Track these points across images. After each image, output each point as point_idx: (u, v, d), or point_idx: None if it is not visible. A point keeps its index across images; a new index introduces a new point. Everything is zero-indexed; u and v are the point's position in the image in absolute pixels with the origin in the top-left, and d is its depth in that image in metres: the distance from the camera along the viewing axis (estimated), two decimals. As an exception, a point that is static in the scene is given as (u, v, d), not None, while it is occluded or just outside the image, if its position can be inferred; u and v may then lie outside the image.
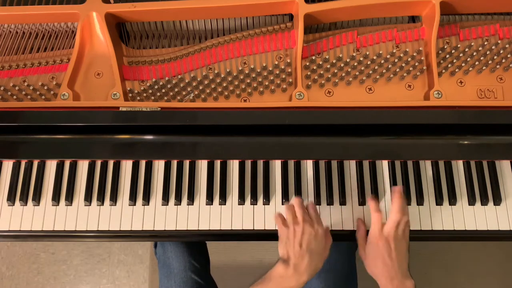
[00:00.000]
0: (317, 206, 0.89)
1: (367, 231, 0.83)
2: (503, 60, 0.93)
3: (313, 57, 0.94)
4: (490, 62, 0.92)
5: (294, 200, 0.83)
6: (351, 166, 0.92)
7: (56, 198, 0.89)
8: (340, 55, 0.93)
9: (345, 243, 1.04)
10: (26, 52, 0.96)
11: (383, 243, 0.78)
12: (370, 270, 0.81)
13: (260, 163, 0.92)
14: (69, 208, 0.89)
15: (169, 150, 0.91)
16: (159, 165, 0.92)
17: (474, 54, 0.94)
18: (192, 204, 0.89)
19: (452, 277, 1.58)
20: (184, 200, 0.89)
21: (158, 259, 1.09)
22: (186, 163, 0.92)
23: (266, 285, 0.78)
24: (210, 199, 0.89)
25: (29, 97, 0.91)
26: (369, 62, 0.92)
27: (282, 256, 0.79)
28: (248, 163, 0.92)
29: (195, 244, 1.09)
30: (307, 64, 0.94)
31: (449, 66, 0.93)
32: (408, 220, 0.81)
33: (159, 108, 0.87)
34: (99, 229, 0.88)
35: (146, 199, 0.89)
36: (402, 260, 0.78)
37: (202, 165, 0.92)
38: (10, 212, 0.89)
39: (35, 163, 0.91)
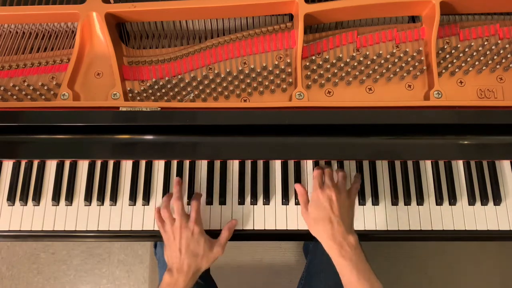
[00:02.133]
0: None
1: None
2: (503, 60, 0.93)
3: (313, 57, 0.94)
4: (490, 62, 0.92)
5: (174, 204, 0.83)
6: (351, 166, 0.92)
7: (56, 198, 0.89)
8: (340, 55, 0.93)
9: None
10: (26, 52, 0.96)
11: (324, 196, 0.79)
12: (313, 229, 0.81)
13: (260, 163, 0.92)
14: (69, 208, 0.89)
15: (169, 150, 0.90)
16: (159, 165, 0.92)
17: (474, 54, 0.94)
18: (192, 204, 0.89)
19: (452, 277, 1.58)
20: (184, 200, 0.89)
21: (158, 259, 1.09)
22: (186, 163, 0.92)
23: None
24: (210, 199, 0.89)
25: (29, 97, 0.91)
26: (369, 62, 0.92)
27: (167, 263, 0.81)
28: (248, 163, 0.92)
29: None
30: (307, 64, 0.94)
31: (449, 66, 0.93)
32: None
33: (159, 108, 0.87)
34: (99, 229, 0.88)
35: (146, 199, 0.89)
36: (345, 215, 0.78)
37: (202, 165, 0.92)
38: (10, 212, 0.89)
39: (35, 163, 0.92)
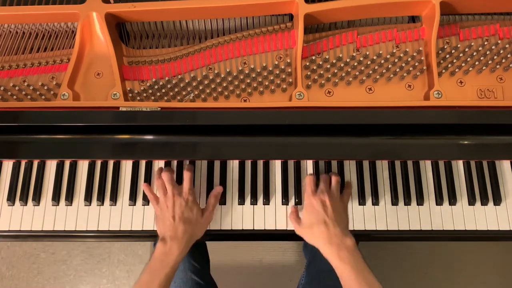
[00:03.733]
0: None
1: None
2: (503, 60, 0.93)
3: (313, 57, 0.94)
4: (490, 62, 0.92)
5: (163, 175, 0.84)
6: (351, 166, 0.92)
7: (56, 198, 0.89)
8: (340, 55, 0.93)
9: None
10: (26, 52, 0.96)
11: (317, 201, 0.79)
12: (309, 236, 0.80)
13: (260, 163, 0.92)
14: (69, 208, 0.89)
15: (169, 150, 0.90)
16: (159, 165, 0.92)
17: (474, 54, 0.94)
18: (192, 204, 0.89)
19: (452, 277, 1.58)
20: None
21: (158, 259, 1.08)
22: (186, 163, 0.92)
23: (151, 268, 0.78)
24: (210, 199, 0.89)
25: (29, 97, 0.91)
26: (369, 62, 0.92)
27: (159, 234, 0.81)
28: (248, 163, 0.92)
29: (195, 244, 1.09)
30: (307, 64, 0.94)
31: (449, 66, 0.93)
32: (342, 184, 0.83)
33: (159, 108, 0.87)
34: (99, 229, 0.88)
35: (146, 199, 0.89)
36: (339, 218, 0.78)
37: (202, 165, 0.92)
38: (10, 212, 0.89)
39: (35, 163, 0.92)
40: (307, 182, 0.83)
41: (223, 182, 0.90)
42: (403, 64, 0.93)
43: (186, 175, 0.85)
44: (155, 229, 0.88)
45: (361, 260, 0.76)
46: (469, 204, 0.89)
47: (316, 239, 0.78)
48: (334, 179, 0.84)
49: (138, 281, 0.77)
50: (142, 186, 0.90)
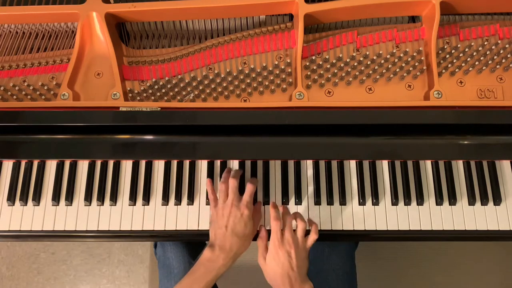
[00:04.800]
0: (317, 206, 0.89)
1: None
2: (503, 60, 0.93)
3: (313, 57, 0.94)
4: (490, 62, 0.92)
5: (231, 181, 0.83)
6: (351, 166, 0.92)
7: (56, 198, 0.89)
8: (340, 55, 0.93)
9: (345, 244, 1.04)
10: (26, 52, 0.96)
11: (283, 252, 0.78)
12: (270, 279, 0.81)
13: (260, 163, 0.92)
14: (69, 208, 0.89)
15: (169, 150, 0.90)
16: (159, 165, 0.92)
17: (474, 54, 0.94)
18: (192, 204, 0.89)
19: (452, 277, 1.58)
20: (184, 200, 0.89)
21: (158, 259, 1.09)
22: (186, 163, 0.92)
23: (195, 273, 0.79)
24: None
25: (29, 97, 0.91)
26: (369, 62, 0.92)
27: (210, 238, 0.81)
28: (248, 163, 0.92)
29: (195, 244, 1.09)
30: (307, 64, 0.94)
31: (449, 66, 0.93)
32: (306, 227, 0.82)
33: (159, 108, 0.87)
34: (99, 229, 0.88)
35: (146, 199, 0.89)
36: (302, 267, 0.79)
37: (202, 165, 0.92)
38: (10, 212, 0.89)
39: (35, 163, 0.92)
40: (273, 229, 0.81)
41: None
42: (403, 64, 0.93)
43: (249, 188, 0.83)
44: (155, 229, 0.88)
45: None
46: (469, 204, 0.89)
47: (275, 284, 0.79)
48: (300, 226, 0.81)
49: (180, 283, 0.79)
50: (142, 186, 0.90)
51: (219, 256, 0.79)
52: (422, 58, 0.93)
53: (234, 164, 0.92)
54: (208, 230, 0.87)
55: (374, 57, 0.93)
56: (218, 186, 0.86)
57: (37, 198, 0.89)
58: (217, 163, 0.92)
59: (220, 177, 0.90)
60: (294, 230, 0.81)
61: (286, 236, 0.80)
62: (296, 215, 0.83)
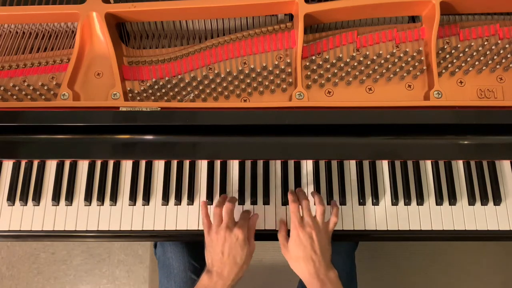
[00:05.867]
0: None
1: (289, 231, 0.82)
2: (503, 60, 0.93)
3: (313, 57, 0.94)
4: (490, 62, 0.92)
5: (226, 205, 0.81)
6: (351, 166, 0.92)
7: (56, 198, 0.89)
8: (340, 55, 0.93)
9: (344, 243, 1.04)
10: (26, 52, 0.96)
11: (304, 234, 0.78)
12: (294, 266, 0.80)
13: (260, 163, 0.92)
14: (69, 208, 0.89)
15: (169, 150, 0.90)
16: (159, 165, 0.92)
17: (474, 54, 0.94)
18: (192, 204, 0.89)
19: (452, 277, 1.58)
20: (184, 200, 0.89)
21: (158, 259, 1.08)
22: (186, 163, 0.92)
23: None
24: (210, 199, 0.89)
25: (29, 97, 0.91)
26: (369, 62, 0.92)
27: (207, 264, 0.79)
28: (248, 163, 0.92)
29: (195, 244, 1.09)
30: (307, 64, 0.94)
31: (449, 66, 0.93)
32: (327, 211, 0.82)
33: (159, 108, 0.87)
34: (99, 229, 0.88)
35: (146, 199, 0.89)
36: (325, 252, 0.78)
37: (202, 165, 0.92)
38: (10, 212, 0.89)
39: (35, 163, 0.91)
40: (292, 211, 0.81)
41: (223, 182, 0.90)
42: (403, 64, 0.93)
43: (244, 215, 0.83)
44: (155, 229, 0.88)
45: None
46: (469, 204, 0.89)
47: (301, 272, 0.79)
48: (319, 210, 0.81)
49: None
50: (142, 186, 0.90)
51: (216, 283, 0.77)
52: (422, 58, 0.93)
53: (234, 164, 0.92)
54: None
55: (374, 57, 0.93)
56: (212, 209, 0.83)
57: (37, 198, 0.89)
58: (217, 163, 0.92)
59: (220, 177, 0.90)
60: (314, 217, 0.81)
61: (306, 219, 0.79)
62: (315, 197, 0.82)
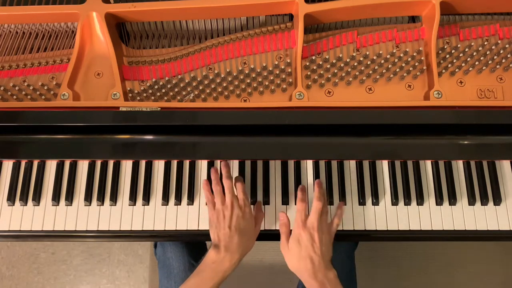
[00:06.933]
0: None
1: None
2: (503, 60, 0.93)
3: (313, 57, 0.94)
4: (490, 62, 0.92)
5: (225, 183, 0.83)
6: (351, 166, 0.92)
7: (56, 198, 0.89)
8: (340, 55, 0.93)
9: (344, 243, 1.04)
10: (26, 52, 0.96)
11: (306, 234, 0.78)
12: (292, 265, 0.80)
13: (260, 163, 0.92)
14: (69, 208, 0.89)
15: (169, 150, 0.90)
16: (159, 165, 0.92)
17: (474, 54, 0.94)
18: (192, 204, 0.89)
19: (452, 277, 1.58)
20: (184, 200, 0.89)
21: (158, 259, 1.09)
22: (186, 163, 0.92)
23: (202, 274, 0.78)
24: (210, 199, 0.89)
25: (29, 97, 0.91)
26: (369, 62, 0.92)
27: (213, 241, 0.80)
28: (248, 163, 0.92)
29: (195, 244, 1.09)
30: (307, 64, 0.94)
31: (449, 66, 0.93)
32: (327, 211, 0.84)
33: (159, 108, 0.87)
34: (99, 229, 0.88)
35: (146, 199, 0.89)
36: (325, 253, 0.78)
37: (202, 165, 0.92)
38: (10, 212, 0.89)
39: (35, 163, 0.91)
40: (298, 210, 0.81)
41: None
42: (403, 64, 0.93)
43: (239, 186, 0.84)
44: (155, 229, 0.88)
45: None
46: (469, 204, 0.89)
47: (300, 272, 0.79)
48: (315, 206, 0.81)
49: (185, 283, 0.77)
50: (142, 186, 0.90)
51: (225, 257, 0.77)
52: (422, 58, 0.93)
53: (234, 164, 0.92)
54: (207, 229, 0.87)
55: (374, 57, 0.93)
56: (212, 188, 0.84)
57: (37, 198, 0.89)
58: (217, 163, 0.92)
59: (220, 177, 0.90)
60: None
61: (311, 219, 0.80)
62: (316, 189, 0.83)
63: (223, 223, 0.80)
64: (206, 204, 0.89)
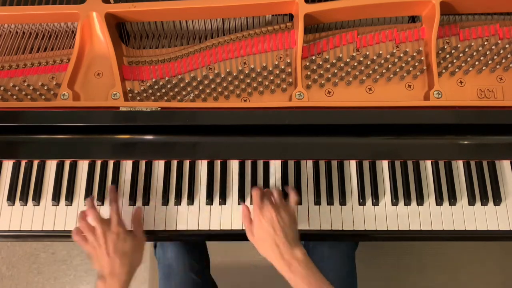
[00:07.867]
0: (317, 207, 0.89)
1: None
2: (503, 60, 0.93)
3: (313, 57, 0.94)
4: (490, 62, 0.92)
5: (88, 212, 0.82)
6: (351, 166, 0.92)
7: (56, 198, 0.89)
8: (340, 55, 0.93)
9: (345, 244, 1.04)
10: (26, 52, 0.96)
11: (265, 219, 0.78)
12: (261, 250, 0.80)
13: (260, 163, 0.92)
14: (69, 208, 0.89)
15: (169, 150, 0.91)
16: (159, 165, 0.92)
17: (474, 54, 0.94)
18: (192, 204, 0.89)
19: (452, 277, 1.58)
20: (184, 200, 0.89)
21: (158, 259, 1.09)
22: (186, 163, 0.92)
23: None
24: (210, 199, 0.89)
25: (29, 97, 0.91)
26: (369, 62, 0.92)
27: (98, 271, 0.79)
28: (248, 163, 0.92)
29: (195, 244, 1.09)
30: (307, 64, 0.94)
31: (449, 66, 0.93)
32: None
33: (159, 108, 0.87)
34: (99, 229, 0.88)
35: (146, 199, 0.89)
36: (288, 231, 0.78)
37: (202, 165, 0.92)
38: (10, 212, 0.89)
39: (35, 163, 0.91)
40: (253, 195, 0.82)
41: (223, 182, 0.90)
42: (403, 64, 0.93)
43: (112, 209, 0.83)
44: (155, 229, 0.88)
45: (314, 270, 0.76)
46: (469, 204, 0.89)
47: (268, 255, 0.79)
48: (276, 193, 0.83)
49: None
50: (141, 186, 0.90)
51: (111, 284, 0.77)
52: (422, 58, 0.93)
53: (234, 164, 0.92)
54: (208, 230, 0.87)
55: (374, 57, 0.93)
56: (79, 226, 0.82)
57: (37, 198, 0.89)
58: (217, 163, 0.92)
59: (221, 177, 0.90)
60: None
61: (265, 203, 0.80)
62: (272, 189, 0.84)
63: (100, 251, 0.79)
64: (206, 204, 0.89)
